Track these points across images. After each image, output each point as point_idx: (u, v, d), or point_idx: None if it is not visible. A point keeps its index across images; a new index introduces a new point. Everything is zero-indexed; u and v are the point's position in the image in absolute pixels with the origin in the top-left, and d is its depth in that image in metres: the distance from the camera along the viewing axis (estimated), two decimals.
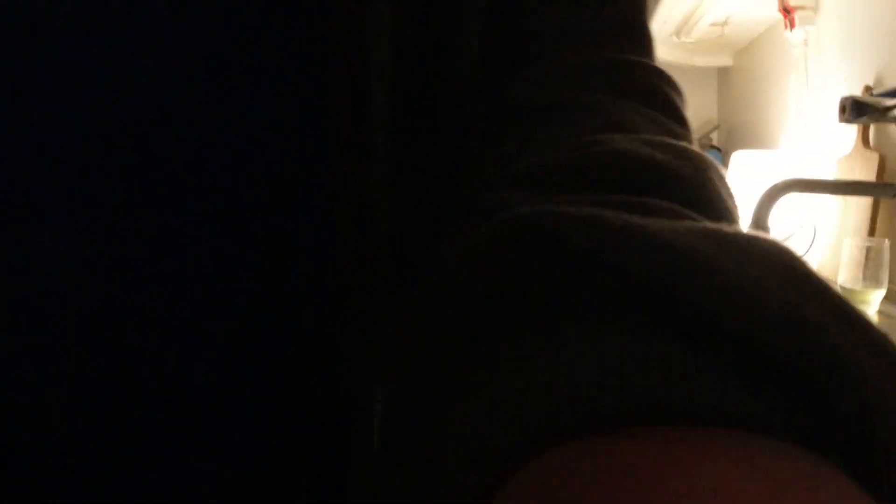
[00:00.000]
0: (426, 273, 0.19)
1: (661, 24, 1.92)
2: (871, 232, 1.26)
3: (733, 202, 0.27)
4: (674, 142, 0.28)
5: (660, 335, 0.15)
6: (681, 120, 0.35)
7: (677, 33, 1.98)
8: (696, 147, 0.33)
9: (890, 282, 1.20)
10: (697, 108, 2.61)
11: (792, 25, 1.61)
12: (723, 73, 2.60)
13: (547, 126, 0.32)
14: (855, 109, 1.02)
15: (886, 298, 1.19)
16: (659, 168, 0.24)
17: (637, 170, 0.24)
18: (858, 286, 1.10)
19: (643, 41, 0.41)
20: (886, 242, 1.12)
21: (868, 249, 1.09)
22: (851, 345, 0.15)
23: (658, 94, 0.36)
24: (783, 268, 0.16)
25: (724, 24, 1.90)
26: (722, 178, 0.28)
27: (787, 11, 1.60)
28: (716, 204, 0.25)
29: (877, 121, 1.04)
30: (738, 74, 2.43)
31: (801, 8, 1.58)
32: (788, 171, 1.37)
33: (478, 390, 0.17)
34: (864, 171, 1.25)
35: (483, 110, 0.39)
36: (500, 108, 0.37)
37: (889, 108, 0.97)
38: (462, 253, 0.19)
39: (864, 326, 0.16)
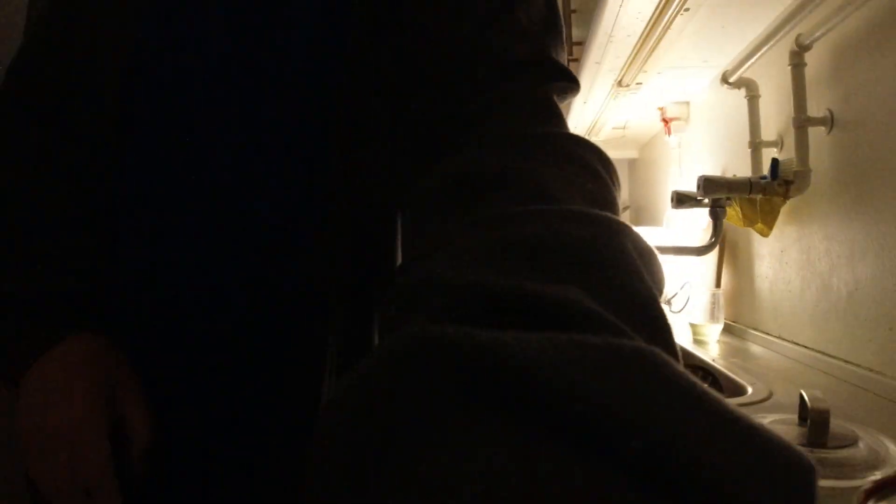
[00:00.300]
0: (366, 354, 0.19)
1: (572, 128, 2.32)
2: (717, 284, 1.67)
3: (646, 255, 0.29)
4: (589, 211, 0.31)
5: (528, 438, 0.16)
6: (599, 179, 0.38)
7: (587, 134, 2.39)
8: (614, 199, 0.38)
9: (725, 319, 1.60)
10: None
11: (669, 132, 2.05)
12: (632, 164, 3.03)
13: (488, 195, 0.35)
14: (678, 199, 1.43)
15: (724, 330, 1.59)
16: (573, 248, 0.26)
17: (555, 253, 0.26)
18: (704, 322, 1.50)
19: (562, 119, 0.46)
20: (720, 291, 1.52)
21: (712, 296, 1.49)
22: (706, 438, 0.16)
23: (577, 158, 0.39)
24: (641, 373, 0.17)
25: (624, 127, 2.32)
26: (630, 235, 0.30)
27: (666, 121, 2.05)
28: (624, 270, 0.26)
29: (693, 206, 1.44)
30: (642, 165, 2.86)
31: (676, 119, 2.02)
32: (666, 241, 1.76)
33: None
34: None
35: (437, 175, 0.41)
36: (450, 174, 0.39)
37: (700, 198, 1.39)
38: (375, 365, 0.19)
39: (722, 413, 0.17)
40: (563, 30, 0.55)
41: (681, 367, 0.18)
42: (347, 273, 0.55)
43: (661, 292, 0.29)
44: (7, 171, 0.59)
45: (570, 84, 0.50)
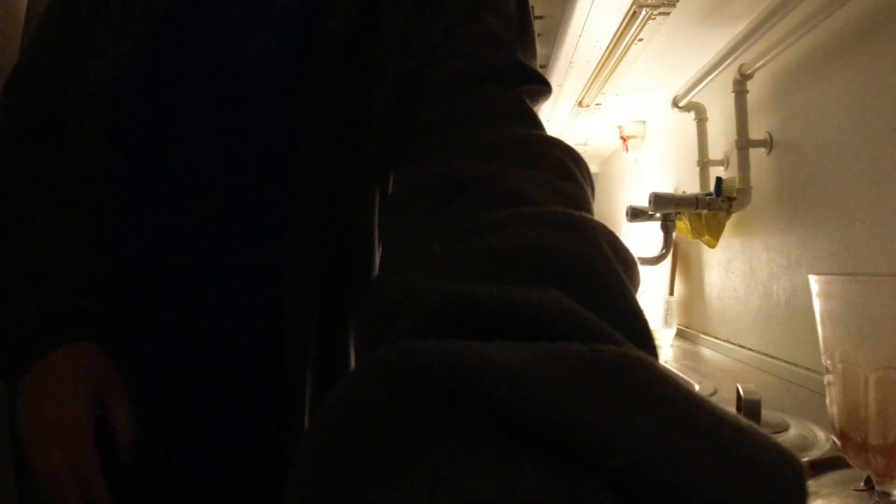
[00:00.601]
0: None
1: None
2: (671, 292, 1.78)
3: (622, 254, 0.29)
4: (565, 213, 0.30)
5: (520, 461, 0.15)
6: (573, 180, 0.37)
7: None
8: (588, 200, 0.37)
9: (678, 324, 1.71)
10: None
11: (627, 149, 2.17)
12: (594, 177, 3.15)
13: (462, 201, 0.34)
14: (632, 213, 1.54)
15: (677, 335, 1.70)
16: (552, 252, 0.26)
17: (534, 258, 0.26)
18: (660, 328, 1.60)
19: (536, 120, 0.46)
20: (674, 298, 1.64)
21: (666, 303, 1.60)
22: (690, 448, 0.15)
23: (550, 159, 0.38)
24: (625, 384, 0.16)
25: (586, 144, 2.43)
26: (607, 236, 0.29)
27: (624, 139, 2.16)
28: (601, 274, 0.26)
29: (646, 220, 1.55)
30: (603, 179, 2.97)
31: (633, 137, 2.13)
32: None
33: None
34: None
35: (411, 182, 0.41)
36: (424, 182, 0.38)
37: (652, 213, 1.50)
38: (357, 381, 0.19)
39: (708, 420, 0.16)
40: (535, 37, 0.55)
41: (664, 370, 0.18)
42: (329, 277, 0.57)
43: (636, 290, 0.29)
44: (10, 191, 0.62)
45: (542, 87, 0.50)
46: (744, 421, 0.17)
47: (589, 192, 0.38)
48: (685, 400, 0.17)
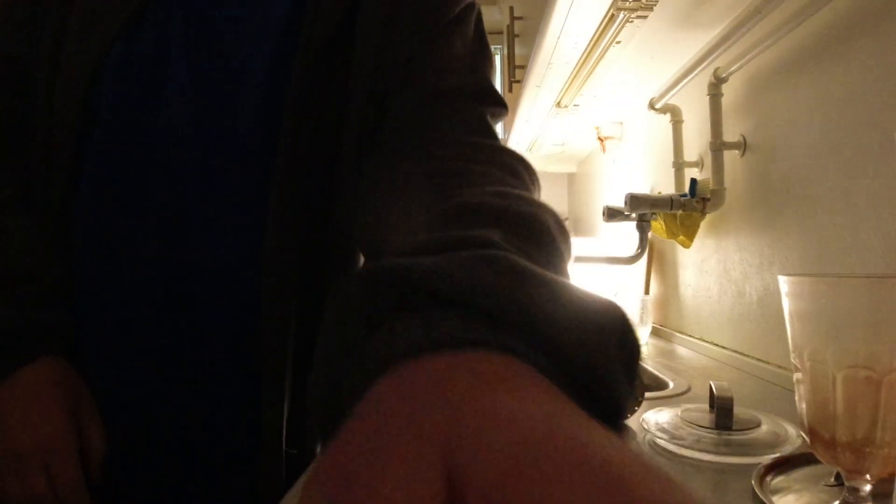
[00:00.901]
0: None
1: (515, 144, 2.45)
2: (646, 291, 1.81)
3: (563, 229, 0.36)
4: (510, 190, 0.38)
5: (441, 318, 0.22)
6: (520, 178, 0.46)
7: (529, 149, 2.52)
8: (534, 195, 0.44)
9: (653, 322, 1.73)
10: (552, 205, 3.14)
11: (605, 150, 2.19)
12: (570, 178, 3.16)
13: (431, 192, 0.41)
14: (609, 213, 1.57)
15: (652, 333, 1.72)
16: (492, 209, 0.33)
17: (474, 214, 0.33)
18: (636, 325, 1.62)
19: (496, 134, 0.54)
20: (649, 297, 1.66)
21: (641, 302, 1.62)
22: (537, 300, 0.22)
23: (507, 165, 0.47)
24: (497, 266, 0.24)
25: (563, 144, 2.45)
26: (555, 216, 0.36)
27: (601, 140, 2.18)
28: (541, 234, 0.33)
29: (622, 220, 1.58)
30: (580, 178, 3.00)
31: (610, 138, 2.15)
32: (601, 251, 1.89)
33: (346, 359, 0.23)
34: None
35: (401, 174, 0.48)
36: (408, 175, 0.47)
37: (628, 213, 1.52)
38: (346, 286, 0.25)
39: (549, 283, 0.24)
40: (493, 56, 0.63)
41: (529, 264, 0.25)
42: (308, 270, 0.59)
43: (569, 258, 0.37)
44: None
45: (502, 110, 0.58)
46: (581, 289, 0.24)
47: (532, 190, 0.47)
48: (540, 274, 0.23)
